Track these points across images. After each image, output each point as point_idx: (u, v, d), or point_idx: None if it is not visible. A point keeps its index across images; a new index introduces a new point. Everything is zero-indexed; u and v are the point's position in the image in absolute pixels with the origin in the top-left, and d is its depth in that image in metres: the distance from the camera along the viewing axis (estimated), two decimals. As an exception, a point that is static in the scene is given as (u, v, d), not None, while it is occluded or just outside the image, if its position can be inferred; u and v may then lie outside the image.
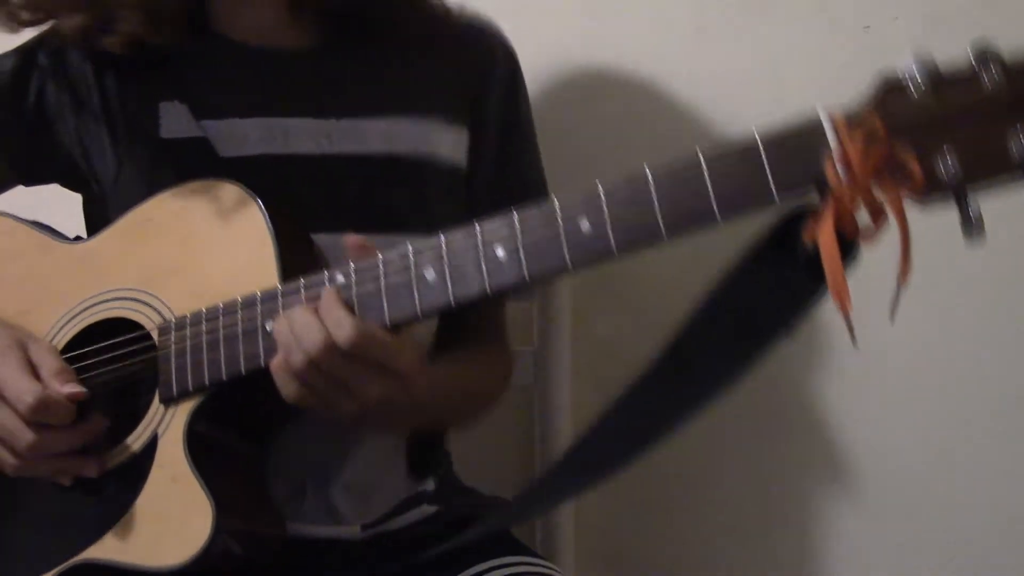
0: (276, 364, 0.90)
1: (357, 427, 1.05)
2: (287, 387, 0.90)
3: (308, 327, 0.87)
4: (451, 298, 0.88)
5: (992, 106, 0.72)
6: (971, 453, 1.28)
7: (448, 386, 1.07)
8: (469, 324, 1.17)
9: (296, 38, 1.12)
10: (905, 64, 0.76)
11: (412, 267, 0.90)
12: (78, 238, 1.12)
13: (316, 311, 0.88)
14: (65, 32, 1.07)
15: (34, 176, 1.17)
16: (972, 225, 0.74)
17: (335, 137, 1.08)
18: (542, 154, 1.24)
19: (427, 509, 1.12)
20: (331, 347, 0.86)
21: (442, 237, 0.89)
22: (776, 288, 0.83)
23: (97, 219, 1.10)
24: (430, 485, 1.13)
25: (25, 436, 0.96)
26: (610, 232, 0.83)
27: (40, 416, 0.95)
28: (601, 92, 1.42)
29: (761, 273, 0.83)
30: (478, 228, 0.88)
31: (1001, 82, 0.72)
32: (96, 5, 1.05)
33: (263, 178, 1.00)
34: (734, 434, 1.31)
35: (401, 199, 1.00)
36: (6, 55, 1.13)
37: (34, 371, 0.98)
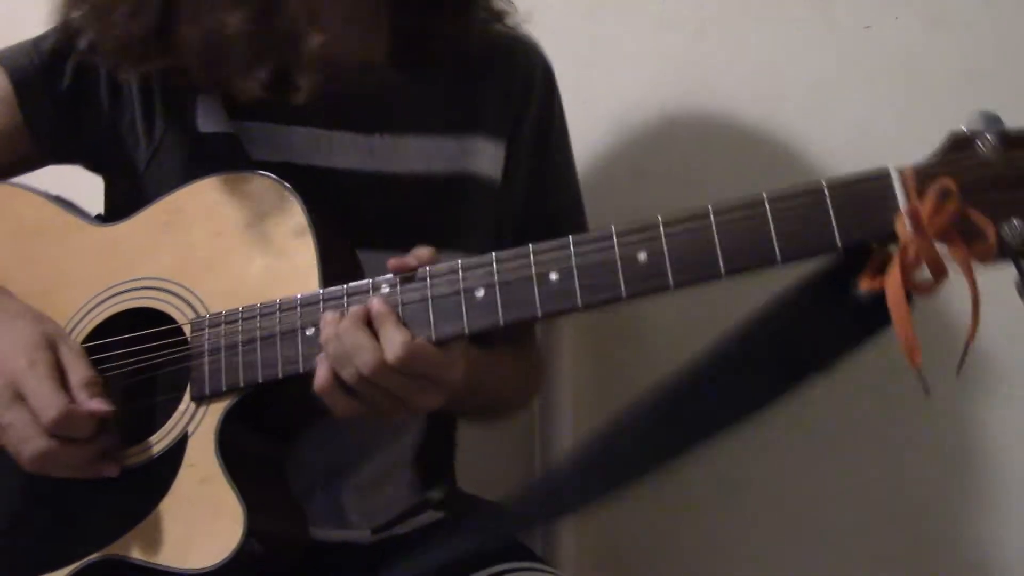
0: (324, 380, 0.87)
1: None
2: (338, 403, 0.88)
3: (360, 345, 0.85)
4: (500, 319, 0.86)
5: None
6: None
7: (484, 373, 1.03)
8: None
9: (358, 52, 1.08)
10: (972, 122, 0.74)
11: (460, 283, 0.87)
12: (99, 216, 1.08)
13: (366, 324, 0.86)
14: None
15: (60, 155, 1.11)
16: None
17: (378, 153, 1.05)
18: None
19: (434, 515, 1.11)
20: (383, 365, 0.84)
21: (493, 256, 0.87)
22: (822, 328, 0.82)
23: (121, 204, 1.06)
24: (436, 493, 1.11)
25: (37, 444, 0.92)
26: (668, 265, 0.81)
27: (61, 430, 0.91)
28: (601, 92, 1.40)
29: (810, 310, 0.82)
30: (531, 251, 0.85)
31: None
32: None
33: (300, 188, 0.96)
34: (737, 439, 1.29)
35: (437, 218, 0.97)
36: (46, 35, 1.08)
37: (62, 377, 0.93)
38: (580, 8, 1.41)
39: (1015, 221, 0.73)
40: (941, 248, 0.75)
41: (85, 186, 1.12)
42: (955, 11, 1.26)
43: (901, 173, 0.76)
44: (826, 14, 1.31)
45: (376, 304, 0.87)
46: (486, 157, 1.10)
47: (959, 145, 0.75)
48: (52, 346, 0.95)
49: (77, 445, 0.93)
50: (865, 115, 1.28)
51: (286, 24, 0.93)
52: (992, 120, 0.75)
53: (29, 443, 0.92)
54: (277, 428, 1.00)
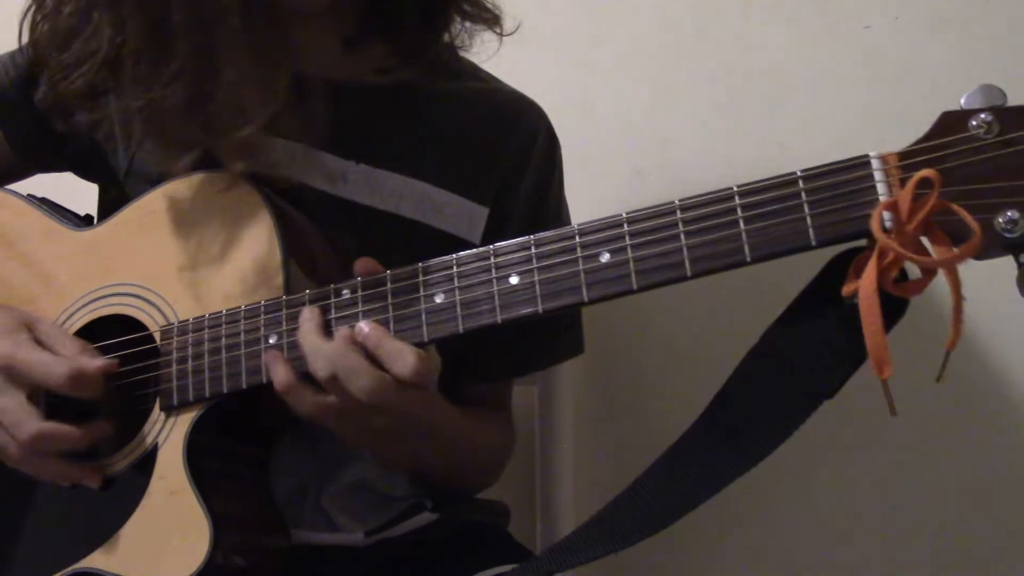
0: (325, 405, 0.79)
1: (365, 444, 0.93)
2: (307, 404, 0.80)
3: (354, 369, 0.77)
4: (460, 328, 0.76)
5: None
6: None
7: (455, 425, 0.92)
8: (474, 394, 1.03)
9: (338, 72, 0.98)
10: (968, 98, 0.60)
11: (420, 288, 0.78)
12: (87, 216, 1.02)
13: (356, 344, 0.77)
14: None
15: (44, 165, 1.06)
16: None
17: (351, 181, 0.96)
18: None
19: (428, 516, 1.01)
20: (389, 384, 0.77)
21: (453, 258, 0.78)
22: (818, 343, 0.69)
23: (110, 208, 0.98)
24: (428, 500, 1.01)
25: (31, 427, 0.85)
26: (632, 267, 0.69)
27: (75, 390, 0.84)
28: (601, 93, 1.31)
29: (804, 325, 0.70)
30: (492, 252, 0.76)
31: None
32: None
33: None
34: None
35: (397, 260, 0.83)
36: (23, 48, 1.01)
37: (51, 347, 0.87)
38: (580, 8, 1.34)
39: (1011, 213, 0.58)
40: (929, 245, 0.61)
41: (82, 187, 1.06)
42: (955, 11, 1.17)
43: (884, 160, 0.62)
44: (826, 14, 1.23)
45: (364, 327, 0.78)
46: (461, 218, 0.99)
47: (951, 125, 0.61)
48: (29, 327, 0.89)
49: (68, 431, 0.86)
50: (865, 115, 1.21)
51: (215, 112, 0.85)
52: (992, 95, 0.60)
53: (23, 427, 0.85)
54: (254, 435, 0.92)
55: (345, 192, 0.95)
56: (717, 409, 0.73)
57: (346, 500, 0.97)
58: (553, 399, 1.21)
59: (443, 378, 0.95)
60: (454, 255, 0.77)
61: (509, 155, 1.01)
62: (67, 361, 0.85)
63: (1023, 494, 1.14)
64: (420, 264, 0.78)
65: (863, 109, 1.20)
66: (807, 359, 0.68)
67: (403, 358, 0.76)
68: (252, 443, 0.92)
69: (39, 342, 0.88)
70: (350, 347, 0.77)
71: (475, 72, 1.05)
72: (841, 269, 0.65)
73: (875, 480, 1.19)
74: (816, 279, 0.68)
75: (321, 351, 0.78)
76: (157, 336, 0.88)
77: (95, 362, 0.85)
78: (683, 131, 1.26)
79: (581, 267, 0.71)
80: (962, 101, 0.62)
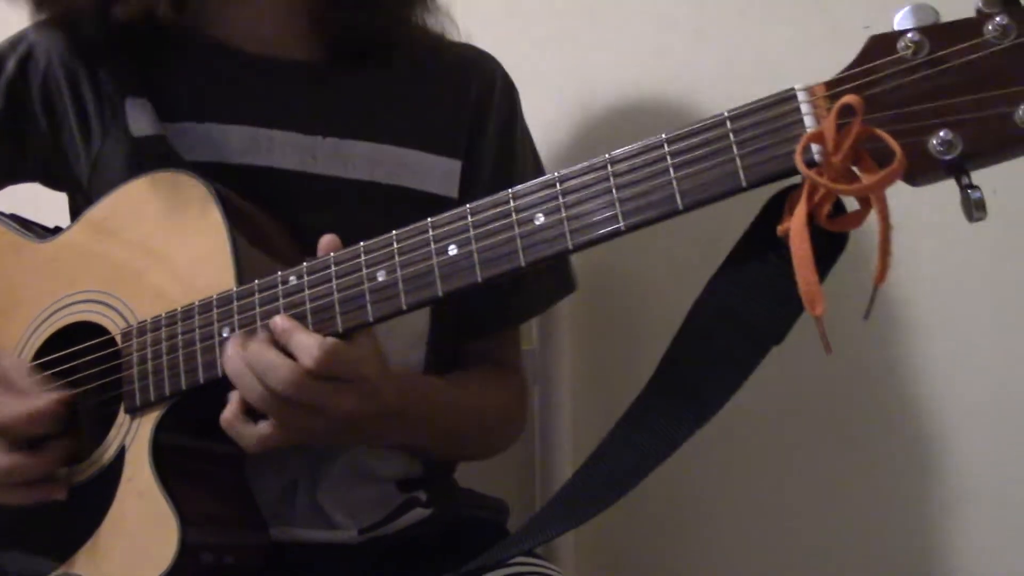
0: (229, 414, 0.80)
1: (333, 443, 0.94)
2: (245, 435, 0.80)
3: (271, 365, 0.76)
4: (403, 304, 0.75)
5: (998, 65, 0.53)
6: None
7: (435, 399, 0.93)
8: (469, 350, 1.04)
9: (296, 50, 1.00)
10: (900, 20, 0.57)
11: (363, 268, 0.77)
12: (57, 228, 1.02)
13: (272, 344, 0.78)
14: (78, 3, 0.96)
15: (10, 177, 1.06)
16: (971, 204, 0.55)
17: (319, 156, 0.96)
18: (542, 157, 1.12)
19: (422, 512, 0.99)
20: (302, 374, 0.76)
21: (393, 235, 0.77)
22: (761, 288, 0.67)
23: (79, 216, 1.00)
24: (421, 494, 1.00)
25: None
26: (566, 226, 0.68)
27: (34, 428, 0.85)
28: (601, 93, 1.30)
29: (746, 270, 0.68)
30: (430, 224, 0.75)
31: (1012, 34, 0.53)
32: None
33: (241, 189, 0.90)
34: (736, 437, 1.19)
35: (377, 227, 0.83)
36: None
37: (10, 383, 0.89)
38: (581, 8, 1.33)
39: (943, 133, 0.55)
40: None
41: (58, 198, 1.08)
42: (955, 11, 1.12)
43: (810, 92, 0.60)
44: (826, 14, 1.20)
45: (278, 321, 0.78)
46: (435, 172, 1.00)
47: (880, 49, 0.58)
48: None
49: (36, 457, 0.87)
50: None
51: None
52: (923, 13, 0.58)
53: None
54: (224, 432, 0.89)
55: (316, 168, 0.95)
56: (668, 366, 0.70)
57: (342, 493, 0.95)
58: (553, 399, 1.21)
59: (440, 338, 0.97)
60: (394, 232, 0.76)
61: (471, 102, 1.03)
62: (19, 404, 0.85)
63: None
64: (362, 244, 0.77)
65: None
66: (751, 304, 0.66)
67: (308, 350, 0.75)
68: (223, 440, 0.88)
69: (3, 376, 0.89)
70: (268, 346, 0.77)
71: (440, 39, 1.05)
72: (779, 208, 0.63)
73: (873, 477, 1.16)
74: (755, 221, 0.66)
75: (240, 358, 0.78)
76: (119, 339, 0.88)
77: (46, 397, 0.85)
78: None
79: (516, 231, 0.69)
80: (894, 23, 0.60)
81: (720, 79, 1.24)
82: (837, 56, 1.20)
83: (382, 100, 1.00)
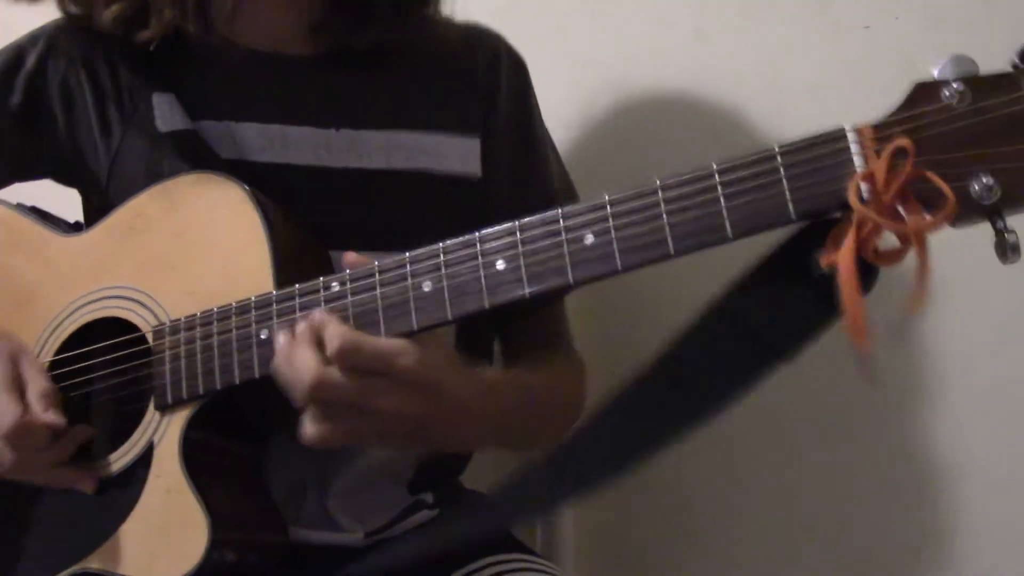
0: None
1: (399, 450, 0.95)
2: (313, 431, 0.78)
3: (304, 359, 0.76)
4: (448, 314, 0.77)
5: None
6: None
7: (507, 395, 0.91)
8: (523, 336, 1.05)
9: (303, 46, 1.02)
10: (941, 69, 0.61)
11: (409, 278, 0.79)
12: (77, 223, 1.03)
13: (314, 341, 0.77)
14: (103, 23, 0.96)
15: (24, 172, 1.06)
16: (1007, 247, 0.59)
17: (334, 148, 0.97)
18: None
19: (428, 514, 1.02)
20: (323, 366, 0.75)
21: (440, 247, 0.78)
22: (784, 309, 0.71)
23: (95, 213, 1.01)
24: (428, 496, 1.02)
25: (5, 454, 0.88)
26: (615, 248, 0.70)
27: (18, 440, 0.86)
28: (601, 93, 1.32)
29: (769, 290, 0.72)
30: (478, 238, 0.77)
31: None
32: None
33: (260, 187, 0.90)
34: (738, 435, 1.21)
35: (400, 215, 0.87)
36: None
37: (21, 389, 0.88)
38: (581, 8, 1.35)
39: (985, 178, 0.60)
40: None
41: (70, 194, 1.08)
42: (955, 11, 1.16)
43: (859, 132, 0.64)
44: (826, 14, 1.22)
45: (316, 316, 0.78)
46: (454, 152, 1.01)
47: (924, 96, 0.62)
48: (14, 360, 0.90)
49: (41, 452, 0.88)
50: (865, 116, 1.19)
51: None
52: (963, 64, 0.62)
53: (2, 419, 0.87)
54: (251, 432, 0.93)
55: (332, 161, 0.96)
56: (667, 364, 0.73)
57: (351, 497, 0.96)
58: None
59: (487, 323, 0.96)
60: (440, 244, 0.77)
61: (480, 77, 1.04)
62: (16, 413, 0.85)
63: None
64: (408, 254, 0.78)
65: (863, 109, 1.21)
66: (769, 323, 0.69)
67: (330, 340, 0.74)
68: (247, 440, 0.93)
69: (18, 378, 0.89)
70: (305, 343, 0.76)
71: (446, 22, 1.06)
72: (809, 239, 0.66)
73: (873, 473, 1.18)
74: (782, 246, 0.69)
75: (280, 351, 0.78)
76: (150, 336, 0.89)
77: (43, 416, 0.85)
78: (683, 131, 1.26)
79: (566, 249, 0.72)
80: (935, 72, 0.64)
81: (720, 79, 1.25)
82: (837, 56, 1.25)
83: (392, 87, 1.02)
